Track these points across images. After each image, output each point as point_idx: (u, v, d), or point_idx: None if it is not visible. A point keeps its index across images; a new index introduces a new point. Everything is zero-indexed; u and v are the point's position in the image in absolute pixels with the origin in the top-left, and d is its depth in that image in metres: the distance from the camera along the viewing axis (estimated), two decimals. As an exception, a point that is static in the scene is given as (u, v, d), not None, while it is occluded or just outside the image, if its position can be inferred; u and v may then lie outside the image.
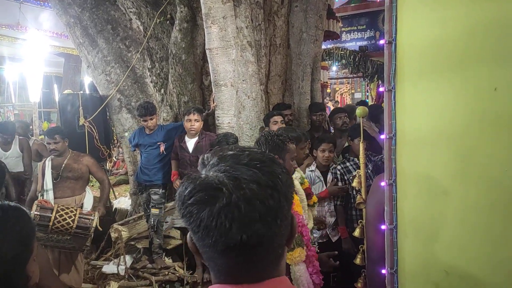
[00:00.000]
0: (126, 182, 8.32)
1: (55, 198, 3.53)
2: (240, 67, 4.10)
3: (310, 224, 2.54)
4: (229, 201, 0.68)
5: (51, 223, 3.07)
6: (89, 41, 5.21)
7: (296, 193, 2.42)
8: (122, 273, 4.11)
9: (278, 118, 3.96)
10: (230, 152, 0.77)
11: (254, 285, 0.72)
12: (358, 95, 13.61)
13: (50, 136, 3.65)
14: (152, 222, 4.08)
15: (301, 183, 2.65)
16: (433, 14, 1.43)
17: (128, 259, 4.30)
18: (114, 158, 9.19)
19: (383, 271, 1.59)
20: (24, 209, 1.08)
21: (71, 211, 3.21)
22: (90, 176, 4.01)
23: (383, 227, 1.62)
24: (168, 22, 5.00)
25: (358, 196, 2.11)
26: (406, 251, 1.56)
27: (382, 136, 1.54)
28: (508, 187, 1.39)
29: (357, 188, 2.12)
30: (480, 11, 1.36)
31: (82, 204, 3.66)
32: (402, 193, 1.53)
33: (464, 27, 1.39)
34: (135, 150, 4.56)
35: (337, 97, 14.41)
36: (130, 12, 5.18)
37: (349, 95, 14.17)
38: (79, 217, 3.21)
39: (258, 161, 0.74)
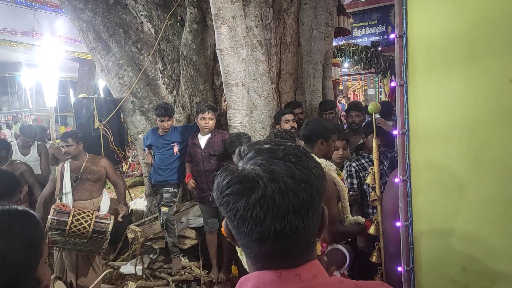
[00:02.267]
0: (141, 183, 8.43)
1: (73, 201, 3.60)
2: (251, 66, 4.11)
3: (350, 217, 2.42)
4: (265, 193, 0.72)
5: (67, 227, 3.13)
6: (102, 46, 5.28)
7: (336, 185, 2.34)
8: (139, 273, 4.16)
9: (289, 117, 3.96)
10: (266, 146, 0.80)
11: (290, 270, 0.76)
12: (371, 91, 13.48)
13: (63, 139, 3.73)
14: (161, 221, 4.12)
15: (338, 174, 2.56)
16: (443, 7, 1.40)
17: (145, 260, 4.35)
18: (129, 160, 9.32)
19: (399, 269, 1.57)
20: (32, 212, 1.09)
21: (88, 215, 3.26)
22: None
23: (398, 224, 1.60)
24: (178, 24, 5.04)
25: (373, 193, 2.09)
26: (422, 247, 1.54)
27: (395, 132, 1.52)
28: (525, 179, 1.36)
29: (371, 185, 2.10)
30: (490, 2, 1.33)
31: (99, 206, 3.72)
32: (417, 189, 1.51)
33: (475, 18, 1.36)
34: (144, 150, 4.61)
35: (350, 93, 14.29)
36: (141, 15, 5.24)
37: (361, 91, 14.04)
38: (95, 221, 3.26)
39: (293, 155, 0.77)
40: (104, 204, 3.76)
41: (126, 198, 6.24)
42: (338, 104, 11.65)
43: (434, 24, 1.42)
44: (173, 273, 4.13)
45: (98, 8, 5.23)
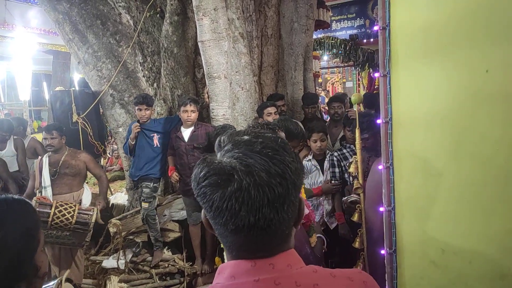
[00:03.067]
0: (121, 178, 8.32)
1: (53, 194, 3.54)
2: (233, 58, 4.11)
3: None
4: (240, 186, 0.73)
5: (50, 219, 3.08)
6: (79, 37, 5.16)
7: None
8: (122, 267, 4.14)
9: (272, 110, 3.98)
10: (245, 138, 0.81)
11: (264, 260, 0.78)
12: (349, 84, 13.65)
13: (48, 131, 3.66)
14: (142, 216, 4.11)
15: None
16: (424, -1, 1.46)
17: (128, 253, 4.33)
18: (107, 155, 9.17)
19: (382, 252, 1.64)
20: (28, 201, 1.10)
21: (70, 207, 3.22)
22: (87, 172, 4.03)
23: (381, 209, 1.66)
24: (158, 15, 4.98)
25: (355, 182, 2.16)
26: (404, 231, 1.61)
27: (379, 121, 1.58)
28: (500, 164, 1.44)
29: (353, 174, 2.16)
30: (470, -6, 1.39)
31: (81, 200, 3.67)
32: (399, 175, 1.58)
33: (455, 9, 1.42)
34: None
35: (328, 86, 14.44)
36: (119, 6, 5.15)
37: (340, 84, 14.22)
38: (78, 213, 3.23)
39: (270, 149, 0.78)
40: (86, 198, 3.72)
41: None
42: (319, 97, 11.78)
43: (415, 16, 1.48)
44: (151, 265, 4.12)
45: (74, -1, 5.11)
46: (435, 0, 1.44)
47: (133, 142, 4.11)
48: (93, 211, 3.35)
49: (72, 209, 3.21)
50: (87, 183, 7.90)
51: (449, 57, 1.45)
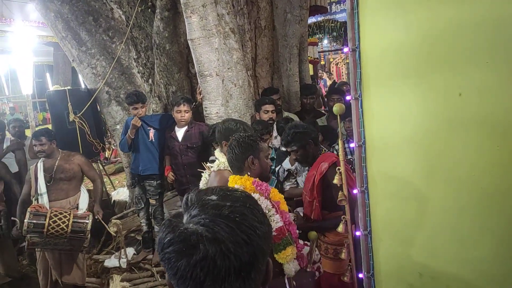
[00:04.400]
0: (125, 170, 8.40)
1: (50, 201, 3.56)
2: (224, 55, 4.04)
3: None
4: (206, 255, 0.72)
5: (45, 230, 3.12)
6: (72, 35, 5.11)
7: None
8: (124, 266, 4.21)
9: (269, 107, 3.91)
10: (213, 200, 0.79)
11: None
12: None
13: (36, 138, 3.64)
14: (150, 211, 4.21)
15: None
16: (396, 20, 1.39)
17: (130, 252, 4.40)
18: (112, 146, 9.23)
19: (360, 275, 1.63)
20: None
21: (65, 216, 3.25)
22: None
23: (358, 233, 1.64)
24: (149, 10, 4.89)
25: (340, 193, 2.12)
26: (381, 255, 1.58)
27: (352, 145, 1.53)
28: (475, 189, 1.39)
29: (338, 185, 2.12)
30: (442, 16, 1.32)
31: (78, 204, 3.70)
32: (374, 199, 1.54)
33: (427, 32, 1.35)
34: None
35: (332, 67, 14.20)
36: (111, 1, 5.07)
37: (344, 64, 13.95)
38: (73, 221, 3.26)
39: (239, 214, 0.77)
40: (83, 202, 3.74)
41: (109, 188, 6.23)
42: (320, 80, 11.60)
43: (386, 37, 1.41)
44: (152, 264, 4.19)
45: (65, -4, 5.03)
46: (406, 22, 1.37)
47: (133, 137, 4.09)
48: (89, 218, 3.38)
49: (67, 218, 3.24)
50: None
51: (422, 80, 1.39)
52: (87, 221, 3.34)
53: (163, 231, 0.78)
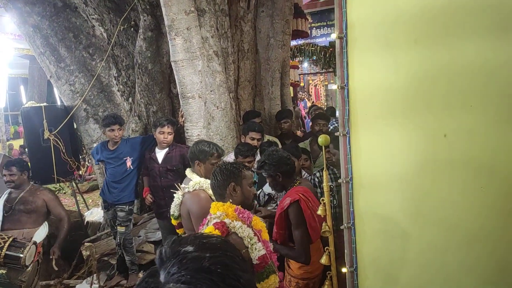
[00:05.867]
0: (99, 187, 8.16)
1: (2, 230, 3.40)
2: (207, 77, 4.03)
3: None
4: None
5: None
6: (50, 51, 5.01)
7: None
8: (96, 292, 4.04)
9: (256, 135, 3.83)
10: (190, 253, 0.75)
11: None
12: (332, 87, 13.65)
13: (6, 168, 3.52)
14: (118, 240, 4.00)
15: None
16: (384, 61, 1.41)
17: (102, 277, 4.23)
18: (87, 163, 8.99)
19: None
20: None
21: (3, 238, 3.11)
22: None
23: (344, 270, 1.62)
24: (132, 29, 4.85)
25: (324, 224, 2.11)
26: (367, 292, 1.57)
27: (339, 180, 1.54)
28: (459, 229, 1.41)
29: (322, 216, 2.11)
30: (429, 59, 1.35)
31: (31, 239, 3.47)
32: (361, 236, 1.54)
33: (414, 74, 1.38)
34: (98, 163, 4.43)
35: (311, 88, 14.42)
36: (93, 19, 5.00)
37: (322, 86, 14.21)
38: (10, 245, 3.11)
39: (220, 264, 0.73)
40: (37, 235, 3.52)
41: (82, 207, 6.02)
42: (300, 102, 11.75)
43: (373, 78, 1.44)
44: (131, 286, 4.04)
45: (45, 12, 4.95)
46: (395, 63, 1.40)
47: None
48: (31, 248, 3.22)
49: (4, 240, 3.10)
50: (64, 193, 7.67)
51: (409, 119, 1.41)
52: (27, 248, 3.17)
53: None
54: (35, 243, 3.37)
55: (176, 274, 0.71)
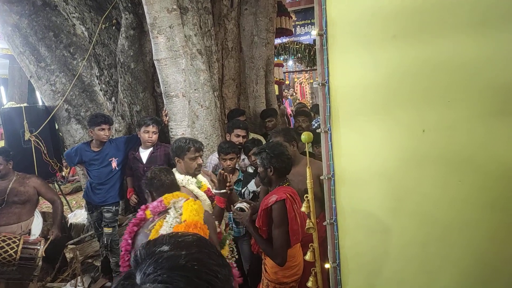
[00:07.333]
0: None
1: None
2: (191, 76, 4.01)
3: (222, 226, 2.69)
4: None
5: None
6: (30, 50, 4.91)
7: (197, 198, 2.68)
8: (80, 294, 3.98)
9: (241, 132, 3.82)
10: (166, 252, 0.74)
11: None
12: (317, 84, 13.68)
13: None
14: (105, 241, 3.94)
15: (199, 187, 2.88)
16: (364, 58, 1.43)
17: (86, 279, 4.17)
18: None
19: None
20: None
21: (14, 242, 3.05)
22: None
23: (327, 265, 1.63)
24: (114, 27, 4.78)
25: (308, 221, 2.12)
26: (350, 287, 1.59)
27: (321, 177, 1.55)
28: (441, 223, 1.44)
29: (306, 213, 2.12)
30: (407, 56, 1.37)
31: (30, 230, 3.47)
32: (343, 232, 1.55)
33: (393, 70, 1.40)
34: (74, 166, 4.35)
35: (296, 86, 14.47)
36: (73, 17, 4.91)
37: (307, 84, 14.27)
38: (23, 247, 3.06)
39: (196, 261, 0.73)
40: (36, 227, 3.52)
41: (65, 209, 5.92)
42: (285, 100, 11.77)
43: (353, 74, 1.45)
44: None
45: (24, 10, 4.85)
46: (374, 60, 1.42)
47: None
48: (41, 244, 3.18)
49: (16, 244, 3.04)
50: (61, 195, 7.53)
51: (388, 116, 1.43)
52: (39, 247, 3.14)
53: None
54: (44, 238, 3.35)
55: (152, 274, 0.71)
